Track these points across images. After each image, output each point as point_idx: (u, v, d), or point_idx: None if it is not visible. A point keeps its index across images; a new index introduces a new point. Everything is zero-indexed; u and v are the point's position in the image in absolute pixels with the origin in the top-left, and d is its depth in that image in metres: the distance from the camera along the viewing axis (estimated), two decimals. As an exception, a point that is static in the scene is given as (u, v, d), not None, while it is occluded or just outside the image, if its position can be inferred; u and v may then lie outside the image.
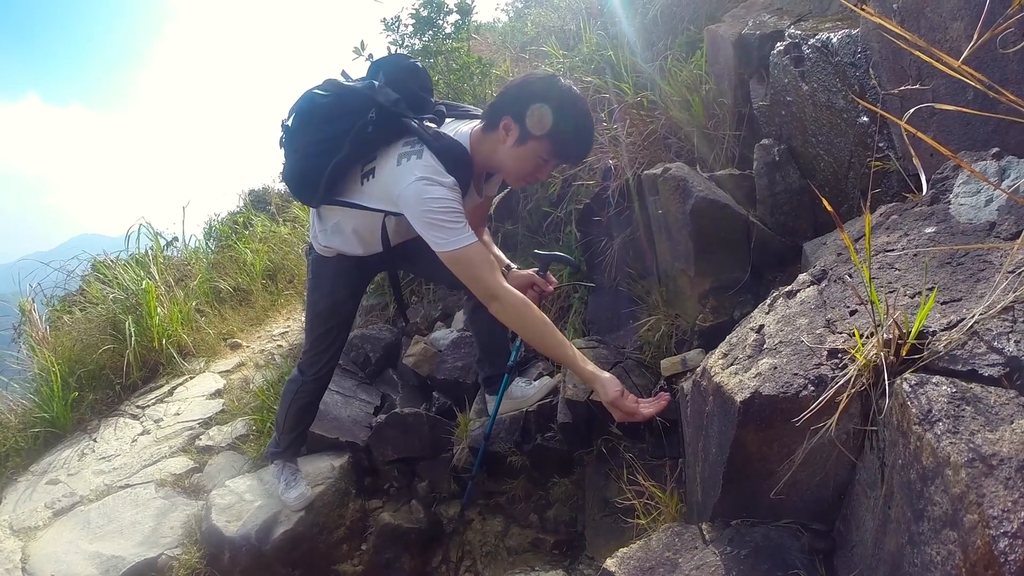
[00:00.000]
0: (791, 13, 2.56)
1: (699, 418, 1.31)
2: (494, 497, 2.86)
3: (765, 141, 2.29)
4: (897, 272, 1.11)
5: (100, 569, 2.43)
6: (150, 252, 5.40)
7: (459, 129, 1.88)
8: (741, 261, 2.20)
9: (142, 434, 3.50)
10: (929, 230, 1.20)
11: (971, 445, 0.73)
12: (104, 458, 3.29)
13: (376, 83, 1.89)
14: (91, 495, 2.97)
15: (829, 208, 0.94)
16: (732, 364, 1.14)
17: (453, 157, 1.76)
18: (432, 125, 1.88)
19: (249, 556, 2.38)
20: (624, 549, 1.27)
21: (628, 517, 2.57)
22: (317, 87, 1.92)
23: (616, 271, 3.21)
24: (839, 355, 0.98)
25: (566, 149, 1.78)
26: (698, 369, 1.37)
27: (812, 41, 1.93)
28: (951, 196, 1.30)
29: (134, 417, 3.71)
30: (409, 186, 1.71)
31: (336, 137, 1.83)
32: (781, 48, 2.16)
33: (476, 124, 1.86)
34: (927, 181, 1.53)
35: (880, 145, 1.67)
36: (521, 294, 1.76)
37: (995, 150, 1.29)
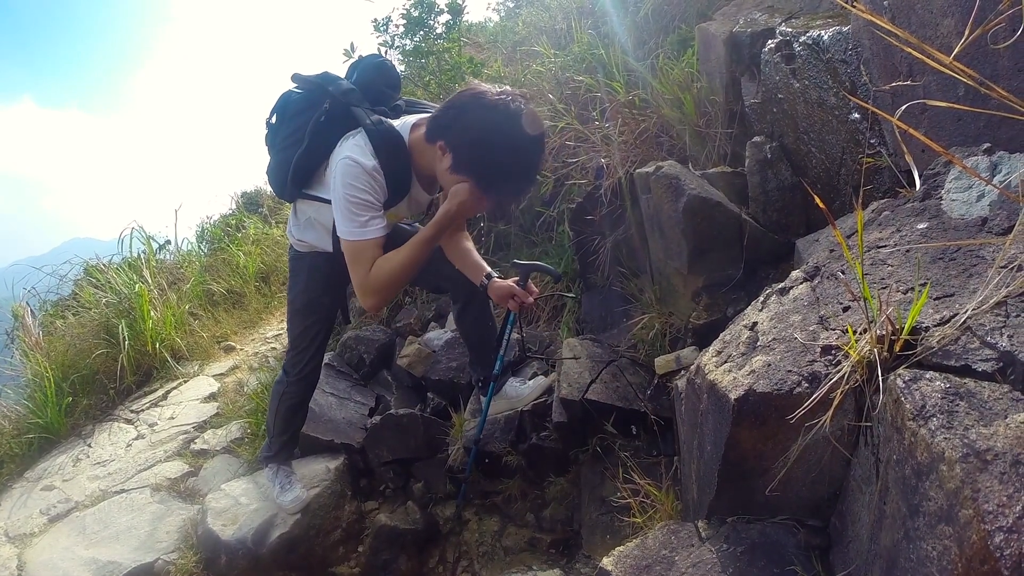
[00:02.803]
0: (782, 11, 2.57)
1: (694, 416, 1.31)
2: (490, 497, 2.86)
3: (757, 138, 2.30)
4: (890, 268, 1.11)
5: (96, 575, 2.42)
6: (143, 256, 5.39)
7: (405, 120, 1.87)
8: (734, 259, 2.21)
9: (137, 439, 3.48)
10: (921, 226, 1.20)
11: (965, 440, 0.73)
12: (99, 463, 3.27)
13: (331, 75, 1.95)
14: (86, 501, 2.95)
15: (821, 205, 0.94)
16: (726, 361, 1.14)
17: (385, 141, 1.76)
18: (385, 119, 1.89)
19: (246, 560, 2.37)
20: (621, 548, 1.27)
21: (624, 515, 2.57)
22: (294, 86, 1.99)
23: (609, 270, 3.21)
24: (833, 352, 0.98)
25: (495, 190, 1.69)
26: (692, 367, 1.37)
27: (803, 39, 1.93)
28: (943, 192, 1.30)
29: (128, 422, 3.69)
30: (337, 165, 1.73)
31: (301, 129, 1.89)
32: (772, 46, 2.17)
33: (424, 116, 1.83)
34: (919, 177, 1.54)
35: (872, 142, 1.68)
36: (380, 269, 1.73)
37: (986, 145, 1.30)
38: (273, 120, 2.00)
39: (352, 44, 3.40)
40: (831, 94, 1.84)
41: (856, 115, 1.72)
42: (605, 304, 3.25)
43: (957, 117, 1.40)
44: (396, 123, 1.85)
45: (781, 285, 1.31)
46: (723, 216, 2.14)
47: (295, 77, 1.98)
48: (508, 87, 1.69)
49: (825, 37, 1.82)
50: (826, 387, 0.92)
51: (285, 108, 1.95)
